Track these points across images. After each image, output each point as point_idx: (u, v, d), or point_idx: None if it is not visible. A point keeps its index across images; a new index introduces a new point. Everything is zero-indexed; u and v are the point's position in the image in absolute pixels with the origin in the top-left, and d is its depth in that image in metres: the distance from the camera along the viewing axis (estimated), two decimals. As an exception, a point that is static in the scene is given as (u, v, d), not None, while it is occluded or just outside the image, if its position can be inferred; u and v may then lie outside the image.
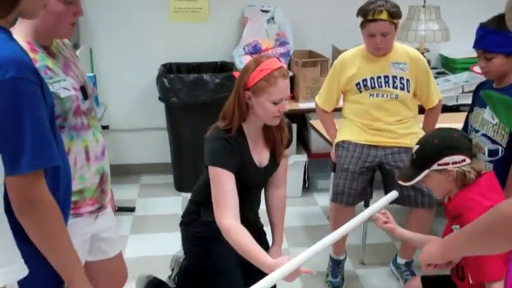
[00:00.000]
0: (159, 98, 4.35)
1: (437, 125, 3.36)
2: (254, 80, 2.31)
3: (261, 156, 2.50)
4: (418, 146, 2.19)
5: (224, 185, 2.30)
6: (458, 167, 2.07)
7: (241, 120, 2.39)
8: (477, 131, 2.77)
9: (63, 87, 1.82)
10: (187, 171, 4.47)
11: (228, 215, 2.26)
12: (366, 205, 3.45)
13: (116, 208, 3.95)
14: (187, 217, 2.62)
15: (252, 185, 2.52)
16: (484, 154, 2.75)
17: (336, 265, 3.25)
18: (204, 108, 4.20)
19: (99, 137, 2.00)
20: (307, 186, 4.54)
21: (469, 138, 2.13)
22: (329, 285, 3.23)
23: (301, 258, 2.07)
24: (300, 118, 4.58)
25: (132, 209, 4.11)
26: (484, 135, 2.73)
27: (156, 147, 4.79)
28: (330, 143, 3.49)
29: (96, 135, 1.97)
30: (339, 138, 3.26)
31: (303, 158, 4.44)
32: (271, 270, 2.03)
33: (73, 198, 1.79)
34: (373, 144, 3.14)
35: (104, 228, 2.11)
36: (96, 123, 2.03)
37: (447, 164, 2.08)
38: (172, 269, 2.79)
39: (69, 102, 1.84)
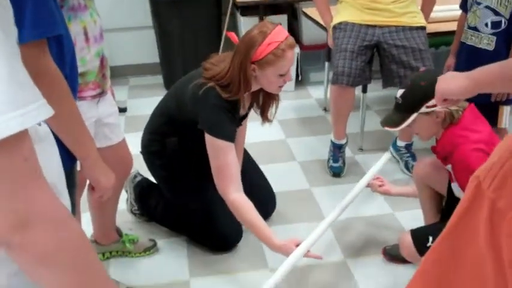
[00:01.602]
0: (144, -6, 4.19)
1: (436, 6, 3.28)
2: (262, 54, 2.24)
3: (244, 109, 2.50)
4: (403, 90, 2.14)
5: (227, 157, 2.31)
6: (447, 107, 2.02)
7: (245, 92, 2.34)
8: (479, 3, 2.70)
9: None
10: (176, 70, 4.37)
11: (232, 188, 2.30)
12: (364, 90, 3.41)
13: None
14: (149, 147, 2.62)
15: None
16: (487, 26, 2.70)
17: (337, 149, 3.25)
18: (191, 1, 4.05)
19: (97, 18, 1.92)
20: (300, 80, 4.48)
21: None
22: (330, 170, 3.24)
23: (309, 241, 2.17)
24: (289, 9, 4.44)
25: (124, 110, 4.05)
26: (487, 7, 2.67)
27: (143, 47, 4.66)
28: (325, 29, 3.40)
29: (93, 16, 1.89)
30: (336, 20, 3.16)
31: (295, 50, 4.33)
32: (277, 251, 2.19)
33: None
34: (371, 23, 3.07)
35: (106, 113, 2.08)
36: (93, 4, 1.93)
37: (435, 105, 2.02)
38: (126, 191, 2.81)
39: None
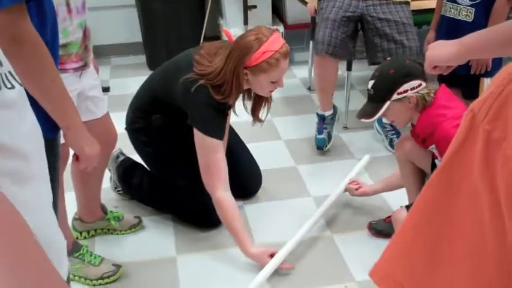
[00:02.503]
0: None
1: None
2: (256, 62, 2.25)
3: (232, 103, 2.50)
4: (373, 80, 2.16)
5: (216, 155, 2.33)
6: (417, 92, 2.07)
7: (237, 93, 2.35)
8: None
9: None
10: (159, 50, 4.33)
11: (220, 187, 2.33)
12: (349, 68, 3.41)
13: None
14: (134, 124, 2.61)
15: None
16: (465, -2, 2.76)
17: (321, 121, 3.26)
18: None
19: None
20: (284, 59, 4.45)
21: (420, 63, 2.06)
22: (314, 143, 3.25)
23: (283, 252, 2.25)
24: (273, -13, 4.41)
25: (107, 89, 4.00)
26: None
27: (125, 26, 4.60)
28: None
29: None
30: None
31: (279, 29, 4.31)
32: (251, 259, 2.28)
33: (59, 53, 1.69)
34: None
35: (89, 86, 2.06)
36: None
37: (406, 91, 2.08)
38: (109, 170, 2.79)
39: None
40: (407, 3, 3.10)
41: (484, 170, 0.67)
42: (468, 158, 0.68)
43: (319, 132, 3.25)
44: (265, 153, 3.13)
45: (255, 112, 2.56)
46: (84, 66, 1.97)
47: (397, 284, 0.79)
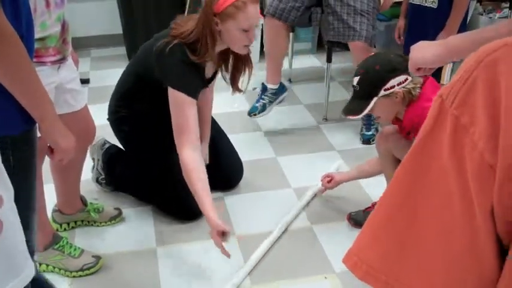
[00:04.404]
0: (105, -38, 4.09)
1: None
2: (223, 6, 2.21)
3: (209, 71, 2.48)
4: (358, 77, 2.16)
5: (188, 113, 2.28)
6: (403, 87, 2.08)
7: (213, 50, 2.30)
8: None
9: None
10: (139, 41, 4.26)
11: (188, 145, 2.26)
12: (329, 60, 3.43)
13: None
14: (116, 113, 2.61)
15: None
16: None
17: (263, 91, 3.31)
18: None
19: None
20: (264, 51, 4.45)
21: (405, 58, 2.04)
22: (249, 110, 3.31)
23: (249, 264, 2.24)
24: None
25: (86, 81, 3.98)
26: None
27: (105, 17, 4.57)
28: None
29: None
30: None
31: (260, 21, 4.30)
32: (207, 221, 2.15)
33: (36, 46, 1.68)
34: None
35: (68, 79, 2.04)
36: None
37: (393, 86, 2.08)
38: (93, 159, 2.78)
39: None
40: None
41: (452, 154, 0.69)
42: (438, 142, 0.70)
43: (257, 100, 3.30)
44: (245, 144, 3.14)
45: (234, 80, 2.52)
46: (62, 59, 1.95)
47: (370, 269, 0.80)
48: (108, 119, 2.64)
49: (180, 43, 2.27)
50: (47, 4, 1.83)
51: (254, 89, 3.59)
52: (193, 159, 2.24)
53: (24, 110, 1.46)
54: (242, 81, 2.54)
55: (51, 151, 1.67)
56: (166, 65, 2.30)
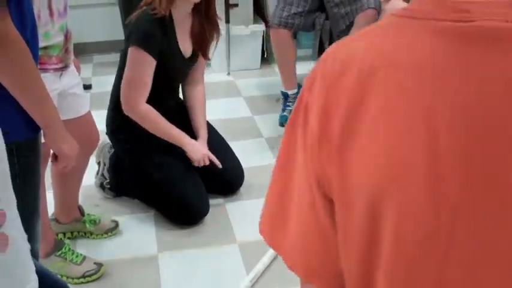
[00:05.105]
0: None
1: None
2: None
3: (185, 46, 2.51)
4: None
5: (145, 68, 2.34)
6: None
7: (170, 5, 2.34)
8: None
9: None
10: (141, 47, 4.32)
11: (143, 100, 2.35)
12: (321, 48, 3.50)
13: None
14: (112, 124, 2.64)
15: (176, 73, 2.56)
16: None
17: (285, 99, 3.35)
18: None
19: None
20: (266, 57, 4.48)
21: None
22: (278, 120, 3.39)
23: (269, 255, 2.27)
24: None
25: (89, 87, 4.00)
26: None
27: (107, 24, 4.59)
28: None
29: None
30: None
31: (261, 27, 4.33)
32: (193, 150, 2.43)
33: (39, 54, 1.70)
34: None
35: (70, 85, 2.05)
36: None
37: None
38: (99, 163, 2.78)
39: None
40: None
41: (300, 127, 0.72)
42: (296, 127, 0.73)
43: (283, 109, 3.36)
44: (246, 150, 3.14)
45: (202, 48, 2.57)
46: (65, 67, 1.97)
47: (267, 239, 0.83)
48: (106, 133, 2.66)
49: (144, 9, 2.36)
50: (51, 13, 1.84)
51: (277, 100, 3.66)
52: (152, 110, 2.40)
53: (29, 117, 1.47)
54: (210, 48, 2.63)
55: (55, 158, 1.68)
56: (133, 29, 2.38)
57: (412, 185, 0.62)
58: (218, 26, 2.56)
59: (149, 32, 2.33)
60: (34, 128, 1.50)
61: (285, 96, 3.39)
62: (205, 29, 2.52)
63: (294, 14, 3.18)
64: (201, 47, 2.55)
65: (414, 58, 0.62)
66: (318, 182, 0.71)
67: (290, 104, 3.36)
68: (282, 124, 3.37)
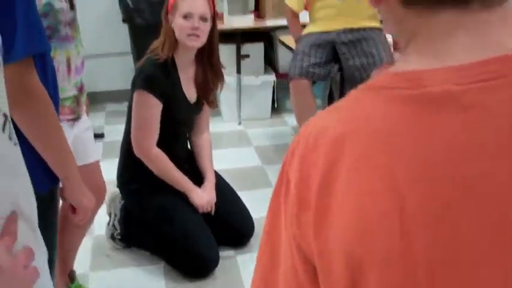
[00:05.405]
0: (123, 20, 4.21)
1: None
2: (170, 2, 2.43)
3: (190, 92, 2.56)
4: None
5: (152, 111, 2.40)
6: None
7: (171, 50, 2.43)
8: None
9: None
10: (154, 96, 4.39)
11: (154, 143, 2.41)
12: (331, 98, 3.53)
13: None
14: (123, 177, 2.67)
15: (183, 118, 2.60)
16: None
17: None
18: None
19: (80, 49, 1.95)
20: (276, 107, 4.53)
21: None
22: None
23: None
24: (266, 37, 4.52)
25: (101, 135, 4.05)
26: None
27: (120, 73, 4.67)
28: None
29: (78, 47, 1.92)
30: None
31: (271, 78, 4.40)
32: (198, 197, 2.49)
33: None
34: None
35: (81, 130, 2.06)
36: (78, 35, 1.96)
37: None
38: (110, 214, 2.80)
39: (61, 14, 1.77)
40: (380, 30, 3.29)
41: (283, 197, 0.75)
42: (278, 195, 0.77)
43: None
44: (256, 201, 3.14)
45: (205, 96, 2.62)
46: (77, 118, 2.00)
47: None
48: (117, 186, 2.68)
49: (148, 56, 2.45)
50: (69, 70, 1.88)
51: None
52: (162, 153, 2.46)
53: (49, 169, 1.50)
54: (213, 95, 2.68)
55: (73, 210, 1.66)
56: (134, 77, 2.46)
57: (384, 248, 0.64)
58: (222, 75, 2.61)
59: (151, 74, 2.41)
60: (54, 180, 1.52)
61: None
62: (208, 77, 2.57)
63: (314, 64, 3.26)
64: (205, 95, 2.61)
65: (371, 125, 0.67)
66: (300, 248, 0.73)
67: None
68: None
